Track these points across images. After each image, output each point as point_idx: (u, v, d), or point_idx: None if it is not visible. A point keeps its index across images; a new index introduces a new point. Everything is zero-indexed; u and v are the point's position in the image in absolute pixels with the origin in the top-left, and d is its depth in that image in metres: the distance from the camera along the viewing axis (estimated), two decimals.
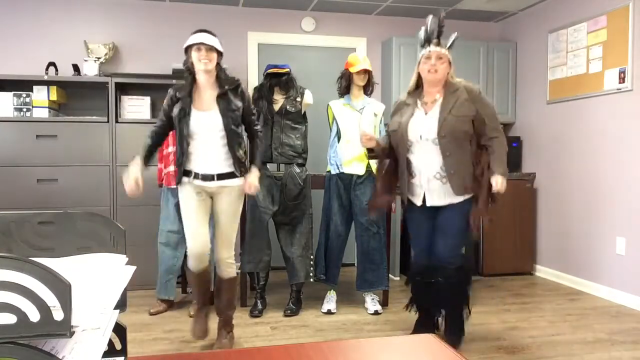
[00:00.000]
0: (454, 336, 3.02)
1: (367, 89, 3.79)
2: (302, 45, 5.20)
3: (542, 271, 4.95)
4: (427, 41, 2.89)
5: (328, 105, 3.88)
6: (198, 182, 2.88)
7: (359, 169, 3.72)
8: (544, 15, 4.92)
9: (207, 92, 2.87)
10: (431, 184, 2.89)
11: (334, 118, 3.83)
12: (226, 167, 2.88)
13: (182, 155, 2.87)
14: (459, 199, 2.88)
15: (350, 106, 3.76)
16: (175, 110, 2.85)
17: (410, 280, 3.16)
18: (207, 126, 2.82)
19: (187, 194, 2.93)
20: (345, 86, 3.77)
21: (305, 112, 3.85)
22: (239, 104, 2.88)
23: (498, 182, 2.83)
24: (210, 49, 2.79)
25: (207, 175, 2.87)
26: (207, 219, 2.99)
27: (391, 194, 3.13)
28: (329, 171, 3.83)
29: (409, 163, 2.95)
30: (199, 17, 4.97)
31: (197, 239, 2.92)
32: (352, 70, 3.68)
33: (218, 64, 2.87)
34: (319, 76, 5.08)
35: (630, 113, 3.96)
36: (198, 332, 3.02)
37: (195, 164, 2.88)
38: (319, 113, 4.53)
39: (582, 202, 4.44)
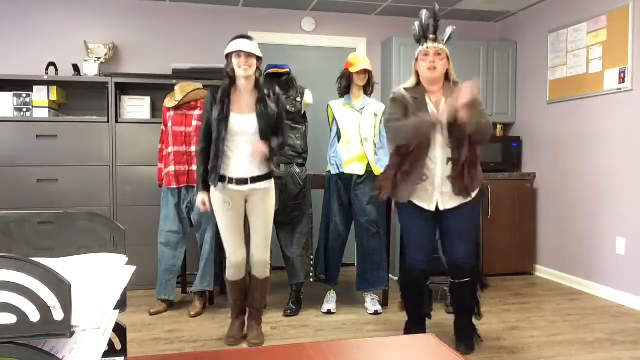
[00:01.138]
0: (467, 342, 2.97)
1: (367, 89, 3.79)
2: (302, 45, 5.20)
3: (542, 271, 4.95)
4: (424, 37, 2.80)
5: (328, 105, 3.88)
6: (232, 186, 2.96)
7: (359, 169, 3.72)
8: (544, 15, 4.92)
9: (246, 96, 2.96)
10: (444, 186, 2.81)
11: (334, 118, 3.83)
12: (258, 170, 2.96)
13: (217, 158, 2.93)
14: (468, 199, 2.84)
15: (350, 106, 3.76)
16: (215, 113, 2.92)
17: (404, 285, 3.04)
18: (244, 129, 2.91)
19: (220, 202, 3.01)
20: (345, 86, 3.77)
21: (305, 112, 3.85)
22: (275, 109, 2.96)
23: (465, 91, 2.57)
24: (250, 55, 2.88)
25: (241, 179, 2.96)
26: (242, 226, 3.09)
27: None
28: (329, 171, 3.83)
29: (424, 164, 2.79)
30: (199, 17, 4.97)
31: (237, 251, 3.06)
32: (352, 70, 3.68)
33: (258, 68, 2.97)
34: (319, 76, 5.08)
35: (630, 113, 3.96)
36: (232, 339, 3.13)
37: (230, 169, 2.95)
38: (319, 113, 4.53)
39: (582, 202, 4.44)
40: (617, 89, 4.06)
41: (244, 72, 2.88)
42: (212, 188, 3.00)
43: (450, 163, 2.78)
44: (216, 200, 3.01)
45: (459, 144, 2.75)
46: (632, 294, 3.93)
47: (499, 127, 5.40)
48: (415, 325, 3.05)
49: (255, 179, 2.96)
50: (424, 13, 2.81)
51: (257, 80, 2.99)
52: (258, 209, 3.02)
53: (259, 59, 2.96)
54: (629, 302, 3.95)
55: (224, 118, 2.90)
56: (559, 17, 4.71)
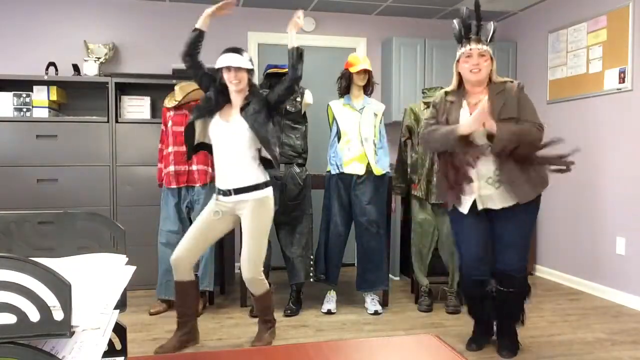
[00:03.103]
0: (508, 350, 2.89)
1: (367, 89, 3.79)
2: (302, 45, 5.18)
3: (542, 271, 4.95)
4: (466, 37, 2.66)
5: (328, 105, 3.88)
6: (221, 198, 2.90)
7: (359, 169, 3.71)
8: (544, 15, 4.92)
9: (236, 108, 2.92)
10: (484, 189, 2.69)
11: (334, 118, 3.83)
12: (245, 180, 2.86)
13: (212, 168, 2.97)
14: (513, 203, 2.68)
15: (350, 106, 3.76)
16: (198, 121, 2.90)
17: (466, 294, 2.99)
18: (233, 138, 2.84)
19: (211, 207, 2.95)
20: (345, 86, 3.77)
21: (305, 112, 3.85)
22: (258, 105, 2.88)
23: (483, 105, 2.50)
24: (239, 69, 2.84)
25: (225, 190, 2.88)
26: (208, 239, 2.97)
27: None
28: (329, 171, 3.83)
29: (465, 167, 2.67)
30: (199, 17, 4.96)
31: (181, 250, 2.92)
32: (352, 70, 3.68)
33: (250, 79, 2.91)
34: (319, 76, 5.08)
35: (630, 113, 3.96)
36: (161, 349, 2.96)
37: (218, 180, 2.91)
38: (319, 113, 4.53)
39: (582, 202, 4.44)
40: (617, 89, 4.05)
41: (234, 86, 2.85)
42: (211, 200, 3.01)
43: (492, 168, 2.64)
44: (208, 207, 2.97)
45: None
46: (632, 294, 3.93)
47: None
48: (483, 332, 3.00)
49: (239, 190, 2.85)
50: (465, 10, 2.68)
51: (250, 92, 2.91)
52: (245, 223, 2.90)
53: (250, 71, 2.90)
54: (629, 302, 3.95)
55: (205, 127, 2.88)
56: (559, 17, 4.71)
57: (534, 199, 2.69)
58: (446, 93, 2.82)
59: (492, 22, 2.75)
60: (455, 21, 2.71)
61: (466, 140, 2.62)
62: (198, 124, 2.90)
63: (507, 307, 2.87)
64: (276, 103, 2.95)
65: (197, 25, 2.93)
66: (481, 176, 2.68)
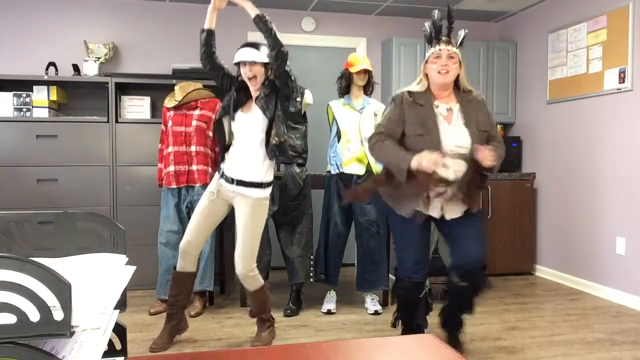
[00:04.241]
0: (454, 334, 2.89)
1: (367, 89, 3.79)
2: (302, 45, 5.20)
3: (542, 271, 4.95)
4: (436, 38, 2.61)
5: (328, 105, 3.88)
6: (222, 181, 2.96)
7: (359, 169, 3.72)
8: (544, 15, 4.93)
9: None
10: (452, 199, 2.66)
11: (334, 118, 3.83)
12: (250, 175, 2.90)
13: (223, 153, 2.99)
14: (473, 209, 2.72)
15: (350, 106, 3.76)
16: (223, 109, 2.96)
17: (399, 296, 2.90)
18: (249, 127, 2.89)
19: (209, 189, 3.01)
20: (345, 86, 3.77)
21: (305, 112, 3.85)
22: (268, 89, 2.90)
23: (485, 152, 2.49)
24: (253, 63, 2.86)
25: (229, 177, 2.93)
26: (212, 223, 3.02)
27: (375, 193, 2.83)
28: (329, 171, 3.83)
29: (434, 174, 2.56)
30: (199, 17, 4.93)
31: (189, 239, 2.98)
32: (352, 70, 3.68)
33: (267, 73, 2.92)
34: (319, 76, 5.08)
35: (630, 113, 3.96)
36: (155, 346, 3.00)
37: (225, 164, 2.96)
38: (319, 113, 4.53)
39: (582, 202, 4.44)
40: (617, 89, 4.05)
41: (249, 81, 2.91)
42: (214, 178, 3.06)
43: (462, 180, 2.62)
44: (207, 189, 3.04)
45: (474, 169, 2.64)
46: (632, 294, 3.93)
47: (499, 127, 5.40)
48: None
49: (240, 183, 2.90)
50: (437, 13, 2.65)
51: (267, 82, 2.92)
52: (240, 216, 2.93)
53: (266, 64, 2.91)
54: (629, 302, 3.95)
55: (230, 116, 2.93)
56: (559, 17, 4.71)
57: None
58: (410, 93, 2.68)
59: (463, 29, 2.74)
60: (426, 23, 2.67)
61: (422, 172, 2.52)
62: (225, 124, 2.95)
63: (460, 299, 2.82)
64: (279, 78, 2.89)
65: (205, 26, 2.91)
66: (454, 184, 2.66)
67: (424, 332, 2.94)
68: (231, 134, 2.97)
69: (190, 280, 3.08)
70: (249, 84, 2.93)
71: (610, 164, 4.15)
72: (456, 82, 2.69)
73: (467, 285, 2.75)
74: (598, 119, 4.27)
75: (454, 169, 2.59)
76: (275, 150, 2.88)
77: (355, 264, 4.30)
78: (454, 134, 2.59)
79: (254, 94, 2.95)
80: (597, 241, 4.28)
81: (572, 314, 3.76)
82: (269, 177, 2.96)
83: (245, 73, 2.89)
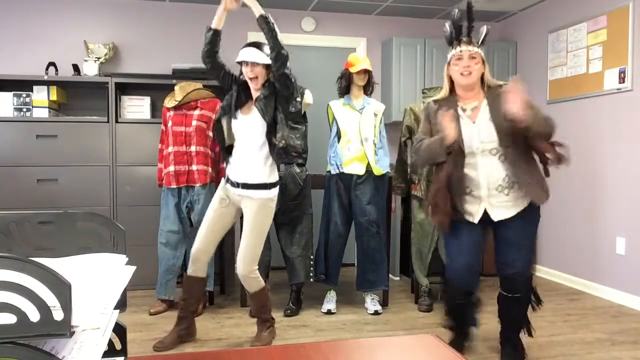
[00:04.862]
0: (511, 358, 2.80)
1: (367, 89, 3.79)
2: (302, 45, 5.20)
3: (542, 271, 4.95)
4: (457, 39, 2.56)
5: (328, 105, 3.88)
6: (228, 186, 2.99)
7: (359, 169, 3.71)
8: (544, 15, 4.93)
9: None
10: (493, 198, 2.56)
11: (334, 118, 3.83)
12: (255, 177, 2.91)
13: (227, 159, 3.02)
14: (524, 207, 2.58)
15: (350, 106, 3.76)
16: (225, 114, 2.96)
17: (449, 302, 2.88)
18: (249, 128, 2.90)
19: (218, 197, 3.02)
20: (345, 86, 3.77)
21: (305, 112, 3.85)
22: (268, 91, 2.89)
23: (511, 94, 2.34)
24: (254, 64, 2.86)
25: (234, 182, 2.95)
26: (222, 229, 3.04)
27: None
28: (329, 171, 3.83)
29: (463, 177, 2.56)
30: (199, 17, 4.96)
31: (200, 247, 3.01)
32: (352, 70, 3.68)
33: (268, 73, 2.91)
34: (319, 76, 5.08)
35: (630, 113, 3.96)
36: (160, 345, 3.02)
37: (230, 169, 2.97)
38: (319, 113, 4.53)
39: (582, 202, 4.44)
40: (617, 89, 4.05)
41: (250, 81, 2.91)
42: (220, 185, 3.07)
43: (502, 174, 2.53)
44: (216, 196, 3.05)
45: (506, 146, 2.51)
46: (632, 294, 3.93)
47: None
48: (462, 339, 2.91)
49: (246, 186, 2.92)
50: (457, 12, 2.58)
51: (267, 84, 2.92)
52: (247, 219, 2.96)
53: (268, 66, 2.90)
54: (629, 302, 3.95)
55: (230, 117, 2.94)
56: (559, 17, 4.71)
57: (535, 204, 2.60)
58: (435, 102, 2.69)
59: (485, 25, 2.68)
60: (446, 23, 2.63)
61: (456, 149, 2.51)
62: (224, 123, 2.95)
63: (510, 312, 2.79)
64: (279, 80, 2.88)
65: (213, 25, 2.91)
66: (490, 184, 2.56)
67: (471, 339, 2.93)
68: (231, 134, 2.97)
69: (200, 285, 3.11)
70: (250, 83, 2.93)
71: (610, 163, 4.14)
72: (482, 81, 2.64)
73: (511, 296, 2.69)
74: (598, 119, 4.27)
75: (485, 169, 2.53)
76: (282, 153, 2.90)
77: (355, 264, 4.30)
78: (479, 130, 2.54)
79: (255, 94, 2.95)
80: (597, 241, 4.28)
81: (572, 314, 3.76)
82: (273, 177, 2.96)
83: (246, 73, 2.89)
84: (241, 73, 2.97)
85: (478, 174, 2.55)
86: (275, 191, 2.98)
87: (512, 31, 5.42)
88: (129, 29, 4.83)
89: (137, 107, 4.40)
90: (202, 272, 3.06)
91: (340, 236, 3.79)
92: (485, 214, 2.60)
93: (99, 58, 4.50)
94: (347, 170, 3.72)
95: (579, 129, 4.48)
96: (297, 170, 3.78)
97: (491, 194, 2.56)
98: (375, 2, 4.92)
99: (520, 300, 2.73)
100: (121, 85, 4.35)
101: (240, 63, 2.94)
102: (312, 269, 3.84)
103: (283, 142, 2.87)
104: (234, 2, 2.85)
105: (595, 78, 4.27)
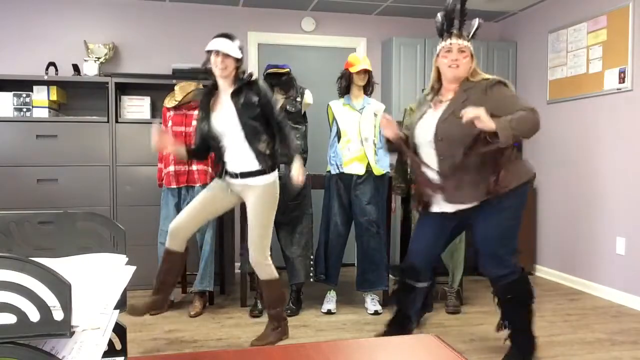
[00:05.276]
0: (522, 355, 2.68)
1: (367, 89, 3.79)
2: (302, 45, 5.20)
3: (542, 271, 4.95)
4: (447, 32, 2.55)
5: (328, 105, 3.88)
6: (228, 179, 2.99)
7: (359, 169, 3.71)
8: (544, 15, 4.92)
9: (225, 96, 2.93)
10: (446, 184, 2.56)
11: (334, 118, 3.83)
12: (251, 165, 2.90)
13: (217, 157, 3.02)
14: (481, 198, 2.51)
15: (350, 106, 3.76)
16: (200, 117, 2.97)
17: (398, 279, 2.85)
18: (226, 125, 2.88)
19: (214, 184, 3.05)
20: (345, 86, 3.77)
21: (305, 112, 3.85)
22: (255, 98, 2.88)
23: (469, 112, 2.27)
24: (226, 56, 2.83)
25: (233, 173, 2.95)
26: (208, 212, 3.04)
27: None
28: (329, 171, 3.83)
29: (420, 165, 2.62)
30: (199, 17, 4.97)
31: (179, 218, 3.02)
32: (352, 70, 3.68)
33: (237, 68, 2.90)
34: (319, 76, 5.08)
35: (630, 113, 3.96)
36: (136, 309, 2.96)
37: (227, 162, 2.98)
38: (319, 113, 4.53)
39: (582, 202, 4.44)
40: (617, 89, 4.05)
41: (219, 71, 2.87)
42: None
43: (436, 167, 2.55)
44: (217, 182, 3.05)
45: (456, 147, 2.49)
46: (632, 294, 3.93)
47: None
48: (397, 324, 2.81)
49: (245, 174, 2.92)
50: (450, 4, 2.57)
51: (235, 78, 2.91)
52: (250, 206, 2.98)
53: (238, 59, 2.90)
54: (629, 302, 3.95)
55: (207, 121, 2.91)
56: (559, 17, 4.71)
57: (514, 191, 2.52)
58: (427, 94, 2.72)
59: (477, 19, 2.67)
60: (439, 14, 2.61)
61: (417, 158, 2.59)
62: (204, 126, 2.94)
63: (512, 315, 2.70)
64: (264, 113, 2.93)
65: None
66: (431, 176, 2.59)
67: (411, 328, 2.86)
68: (214, 137, 2.94)
69: (181, 260, 3.08)
70: (218, 73, 2.88)
71: (610, 163, 4.14)
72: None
73: (506, 299, 2.62)
74: (598, 119, 4.27)
75: (429, 160, 2.57)
76: (270, 159, 2.93)
77: (355, 264, 4.30)
78: (427, 125, 2.56)
79: (225, 86, 2.92)
80: (597, 241, 4.28)
81: (572, 314, 3.76)
82: (270, 161, 2.94)
83: (215, 62, 2.85)
84: (207, 62, 2.92)
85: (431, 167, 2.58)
86: (275, 174, 2.97)
87: (512, 31, 5.42)
88: (129, 29, 4.83)
89: (137, 107, 4.40)
90: (181, 246, 3.02)
91: (340, 236, 3.79)
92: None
93: (99, 58, 4.50)
94: (347, 170, 3.72)
95: (579, 129, 4.48)
96: None
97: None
98: (375, 2, 4.92)
99: (514, 301, 2.66)
100: (121, 85, 4.35)
101: (209, 52, 2.89)
102: (312, 269, 3.84)
103: (268, 151, 2.91)
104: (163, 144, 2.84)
105: (595, 78, 4.27)
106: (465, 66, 2.53)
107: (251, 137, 2.87)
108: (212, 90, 2.97)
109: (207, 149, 3.03)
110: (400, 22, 5.39)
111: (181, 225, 2.99)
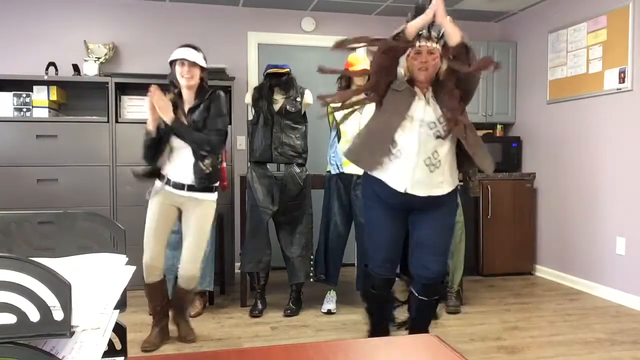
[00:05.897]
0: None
1: None
2: (302, 45, 5.19)
3: (542, 271, 4.95)
4: (417, 34, 2.52)
5: (328, 105, 3.88)
6: (169, 189, 2.95)
7: (359, 169, 3.71)
8: (544, 15, 4.92)
9: (186, 104, 2.94)
10: (417, 171, 2.48)
11: (334, 118, 3.83)
12: (197, 180, 2.91)
13: (164, 161, 2.99)
14: (443, 192, 2.52)
15: None
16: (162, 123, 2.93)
17: (367, 292, 2.77)
18: (178, 141, 2.90)
19: (155, 200, 3.00)
20: (345, 86, 3.77)
21: (305, 112, 3.85)
22: (205, 114, 2.90)
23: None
24: (193, 64, 2.84)
25: (178, 183, 2.93)
26: (168, 232, 3.06)
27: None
28: (329, 171, 3.83)
29: (393, 141, 2.52)
30: (199, 17, 4.97)
31: (149, 251, 3.01)
32: (352, 70, 3.68)
33: (202, 78, 2.92)
34: (319, 76, 5.06)
35: (630, 113, 3.96)
36: (147, 344, 3.04)
37: (171, 171, 2.95)
38: (319, 113, 4.53)
39: (582, 202, 4.44)
40: (617, 89, 4.05)
41: (185, 81, 2.88)
42: (153, 191, 3.04)
43: (432, 143, 2.48)
44: (155, 203, 3.02)
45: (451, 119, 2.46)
46: (632, 294, 3.93)
47: (499, 127, 5.40)
48: (380, 333, 2.78)
49: (192, 187, 2.92)
50: (419, 4, 2.56)
51: (200, 89, 2.93)
52: (194, 219, 2.97)
53: (203, 69, 2.91)
54: (629, 302, 3.95)
55: (165, 127, 2.90)
56: (559, 17, 4.71)
57: (455, 201, 2.61)
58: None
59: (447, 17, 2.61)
60: (409, 14, 2.58)
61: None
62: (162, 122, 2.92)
63: (425, 314, 2.73)
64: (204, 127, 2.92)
65: (150, 128, 2.94)
66: (420, 152, 2.48)
67: (389, 330, 2.86)
68: (167, 138, 2.94)
69: (161, 286, 3.12)
70: (183, 84, 2.88)
71: (610, 164, 4.14)
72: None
73: (425, 300, 2.62)
74: (598, 119, 4.27)
75: (429, 145, 2.50)
76: (206, 179, 2.89)
77: (355, 264, 4.30)
78: (423, 109, 2.53)
79: (188, 97, 2.93)
80: (597, 241, 4.27)
81: (572, 314, 3.76)
82: (215, 178, 2.97)
83: (181, 72, 2.86)
84: (171, 75, 2.94)
85: (409, 144, 2.51)
86: (216, 194, 3.03)
87: (512, 31, 5.42)
88: (129, 29, 4.82)
89: (137, 107, 4.40)
90: (159, 275, 3.06)
91: (340, 236, 3.79)
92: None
93: (99, 58, 4.50)
94: (347, 170, 3.72)
95: (579, 129, 4.48)
96: (297, 170, 3.77)
97: (417, 166, 2.49)
98: (375, 2, 4.92)
99: (433, 303, 2.67)
100: (121, 85, 4.35)
101: (173, 63, 2.89)
102: (312, 269, 3.84)
103: (210, 169, 2.89)
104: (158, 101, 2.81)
105: (595, 78, 4.27)
106: (434, 68, 2.55)
107: (197, 153, 2.87)
108: (177, 99, 2.96)
109: (160, 147, 2.96)
110: (400, 22, 5.32)
111: (154, 255, 3.01)
